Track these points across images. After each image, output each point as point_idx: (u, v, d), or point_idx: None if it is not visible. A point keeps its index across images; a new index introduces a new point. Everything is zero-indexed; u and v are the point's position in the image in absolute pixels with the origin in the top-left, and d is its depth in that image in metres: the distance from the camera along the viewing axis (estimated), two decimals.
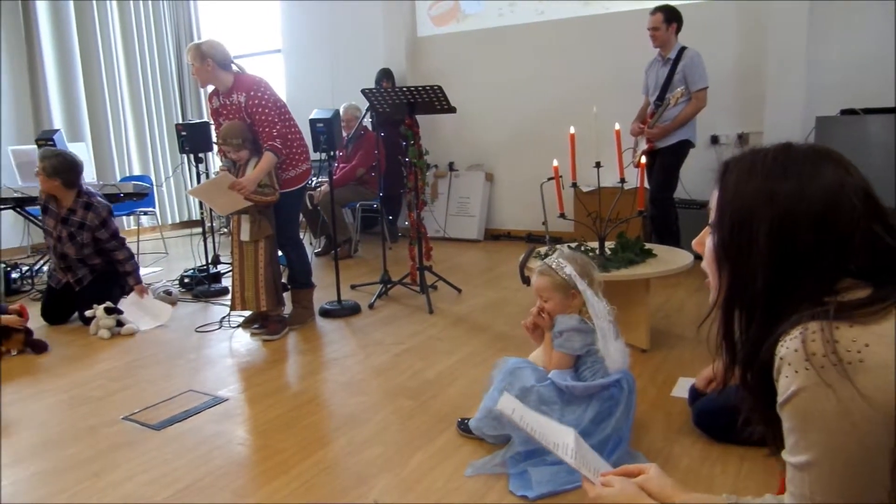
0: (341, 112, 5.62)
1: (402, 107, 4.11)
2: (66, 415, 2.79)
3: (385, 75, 6.41)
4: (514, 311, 3.89)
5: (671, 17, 4.36)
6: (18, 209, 5.34)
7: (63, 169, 3.99)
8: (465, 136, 6.48)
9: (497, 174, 6.50)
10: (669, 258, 3.26)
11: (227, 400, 2.84)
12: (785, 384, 0.92)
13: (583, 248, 3.26)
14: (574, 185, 3.24)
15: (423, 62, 6.72)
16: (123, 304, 4.02)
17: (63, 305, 4.14)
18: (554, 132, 5.68)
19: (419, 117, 4.23)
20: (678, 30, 4.40)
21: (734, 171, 1.04)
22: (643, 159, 3.37)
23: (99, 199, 4.19)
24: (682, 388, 2.68)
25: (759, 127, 5.04)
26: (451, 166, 6.64)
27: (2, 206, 5.41)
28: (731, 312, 1.03)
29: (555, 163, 3.15)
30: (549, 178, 4.60)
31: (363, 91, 4.26)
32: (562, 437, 1.41)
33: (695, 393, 2.41)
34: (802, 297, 0.94)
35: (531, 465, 2.07)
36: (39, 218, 4.23)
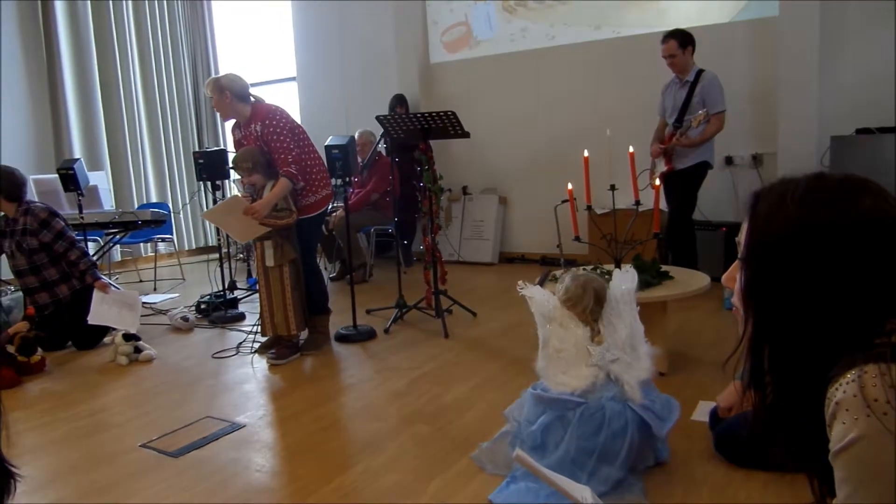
0: (356, 138, 5.67)
1: (417, 132, 4.15)
2: (84, 442, 2.80)
3: (399, 101, 6.48)
4: (530, 335, 3.83)
5: (685, 41, 4.38)
6: None
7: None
8: (478, 160, 6.52)
9: (511, 197, 6.51)
10: (687, 280, 3.24)
11: (244, 426, 2.84)
12: (841, 431, 0.85)
13: (599, 271, 3.24)
14: (589, 207, 3.24)
15: (436, 88, 6.79)
16: (93, 307, 4.02)
17: (57, 331, 4.13)
18: (567, 155, 5.70)
19: (433, 142, 4.26)
20: (693, 51, 4.42)
21: (764, 202, 0.97)
22: (657, 181, 3.36)
23: (38, 203, 4.23)
24: (702, 412, 2.64)
25: (772, 148, 5.03)
26: (464, 190, 6.66)
27: None
28: (761, 352, 0.97)
29: (569, 185, 3.15)
30: (564, 201, 4.60)
31: (378, 117, 4.31)
32: (579, 491, 1.44)
33: (715, 417, 2.38)
34: (846, 338, 0.88)
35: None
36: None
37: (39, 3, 6.72)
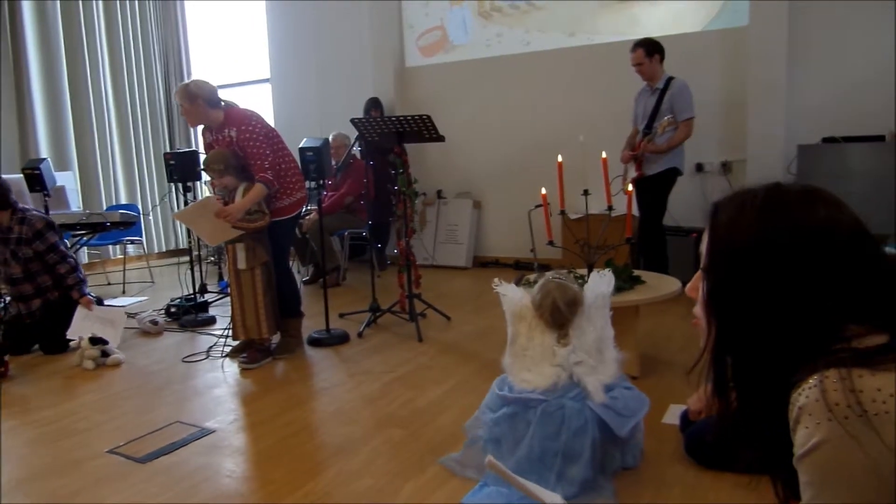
0: (330, 140, 5.64)
1: (391, 136, 4.14)
2: (49, 448, 2.74)
3: (373, 104, 6.46)
4: (503, 339, 3.86)
5: (651, 49, 4.45)
6: None
7: None
8: (453, 165, 6.53)
9: (485, 202, 6.53)
10: (658, 285, 3.28)
11: (214, 431, 2.80)
12: (804, 436, 0.86)
13: (572, 276, 3.27)
14: (562, 212, 3.27)
15: (412, 91, 6.79)
16: (75, 322, 3.99)
17: (21, 335, 4.12)
18: (541, 160, 5.74)
19: (407, 146, 4.26)
20: (662, 59, 4.49)
21: (723, 213, 0.98)
22: (629, 187, 3.41)
23: (34, 212, 4.20)
24: (672, 415, 2.68)
25: (742, 155, 5.12)
26: (439, 194, 6.67)
27: None
28: (723, 360, 0.99)
29: (543, 191, 3.18)
30: (537, 206, 4.63)
31: (352, 120, 4.29)
32: (550, 497, 1.46)
33: (686, 420, 2.41)
34: (807, 344, 0.89)
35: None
36: None
37: (6, 2, 6.58)
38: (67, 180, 6.13)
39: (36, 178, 5.39)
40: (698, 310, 1.05)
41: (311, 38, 7.18)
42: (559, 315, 2.17)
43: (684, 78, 4.48)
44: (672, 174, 4.47)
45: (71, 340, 4.04)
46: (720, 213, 0.99)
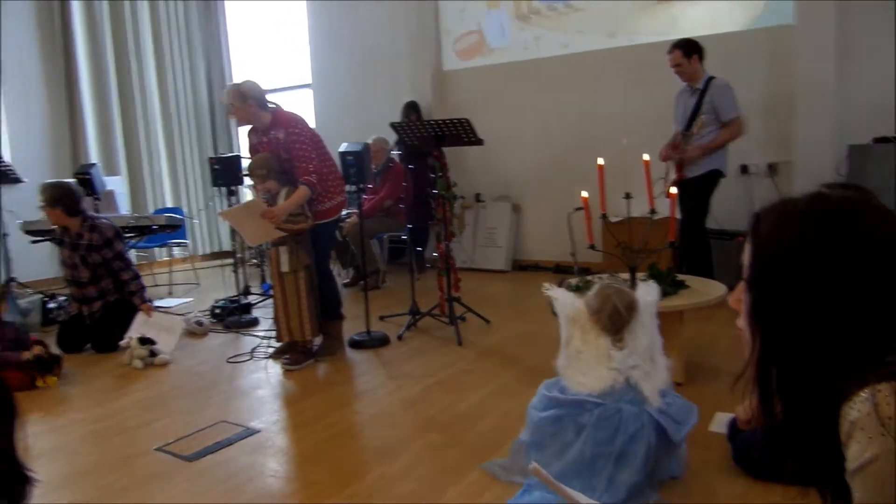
0: (370, 144, 5.69)
1: (430, 139, 4.15)
2: (100, 445, 2.82)
3: (411, 108, 6.49)
4: (544, 343, 3.84)
5: (690, 50, 4.36)
6: (56, 241, 5.46)
7: (59, 196, 4.18)
8: (491, 168, 6.52)
9: (524, 205, 6.50)
10: (702, 289, 3.23)
11: (258, 431, 2.84)
12: (857, 451, 0.84)
13: (618, 280, 3.23)
14: (603, 216, 3.23)
15: (449, 95, 6.80)
16: (134, 327, 4.09)
17: (77, 335, 4.27)
18: (581, 163, 5.69)
19: (446, 149, 4.27)
20: (702, 59, 4.40)
21: (765, 223, 0.96)
22: (673, 189, 3.35)
23: (104, 221, 4.37)
24: (720, 424, 2.62)
25: (789, 156, 5.00)
26: (477, 197, 6.66)
27: (41, 239, 5.55)
28: (768, 371, 0.96)
29: (584, 194, 3.14)
30: (577, 209, 4.58)
31: (392, 124, 4.32)
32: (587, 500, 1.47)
33: (734, 429, 2.36)
34: (856, 357, 0.87)
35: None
36: (59, 248, 4.41)
37: (56, 6, 6.81)
38: (116, 184, 6.30)
39: (87, 183, 5.56)
40: (742, 322, 1.03)
41: (350, 43, 7.25)
42: (619, 319, 2.16)
43: (727, 78, 4.39)
44: (715, 176, 4.38)
45: (121, 340, 4.16)
46: (762, 223, 0.97)
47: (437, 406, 3.04)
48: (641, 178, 3.29)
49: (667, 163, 4.52)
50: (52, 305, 5.10)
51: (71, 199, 4.22)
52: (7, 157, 6.18)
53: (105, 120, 7.13)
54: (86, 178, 5.56)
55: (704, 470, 2.30)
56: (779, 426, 0.99)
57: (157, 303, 5.42)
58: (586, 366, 2.15)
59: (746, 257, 0.99)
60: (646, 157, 3.29)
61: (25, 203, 5.88)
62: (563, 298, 2.30)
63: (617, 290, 2.23)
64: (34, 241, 5.60)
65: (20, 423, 1.29)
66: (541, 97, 6.23)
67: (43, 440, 2.87)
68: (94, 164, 5.95)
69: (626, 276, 3.30)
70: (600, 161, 3.16)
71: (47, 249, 6.09)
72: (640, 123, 5.45)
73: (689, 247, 4.41)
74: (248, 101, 3.64)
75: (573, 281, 3.40)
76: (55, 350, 3.90)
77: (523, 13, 6.32)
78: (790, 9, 4.93)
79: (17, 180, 5.70)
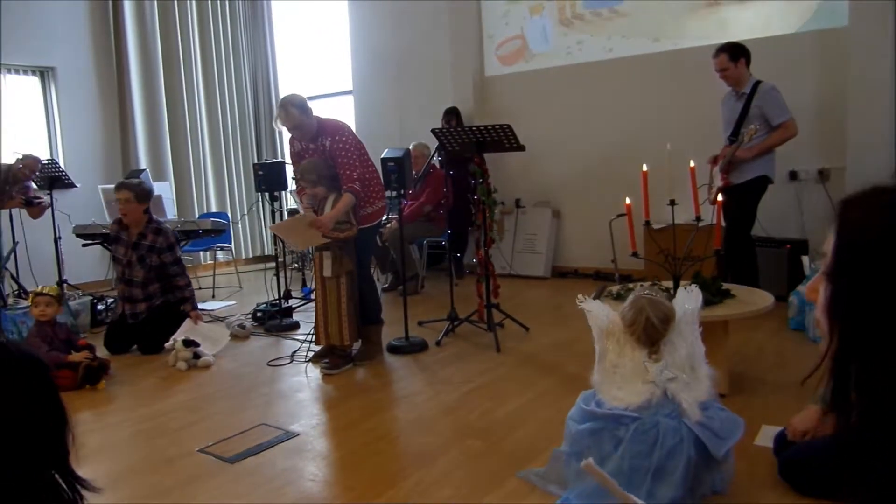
0: (411, 150, 5.72)
1: (472, 145, 4.15)
2: (145, 445, 2.89)
3: (452, 114, 6.50)
4: (584, 351, 3.75)
5: (736, 53, 4.27)
6: (105, 244, 5.62)
7: (146, 195, 4.42)
8: (531, 173, 6.48)
9: (564, 211, 6.45)
10: (748, 299, 3.14)
11: (298, 435, 2.87)
12: None
13: (656, 288, 3.17)
14: (647, 223, 3.17)
15: (490, 101, 6.80)
16: (181, 332, 4.17)
17: (124, 336, 4.38)
18: (624, 169, 5.62)
19: (486, 155, 4.26)
20: (748, 63, 4.30)
21: (853, 211, 0.91)
22: (720, 197, 3.27)
23: (167, 225, 4.55)
24: (766, 437, 2.54)
25: (840, 162, 4.84)
26: (517, 203, 6.63)
27: (91, 242, 5.72)
28: (847, 370, 0.92)
29: (627, 200, 3.10)
30: (619, 215, 4.53)
31: (433, 130, 4.33)
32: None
33: (781, 442, 2.28)
34: None
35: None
36: (112, 246, 4.54)
37: (111, 16, 7.04)
38: (164, 190, 6.46)
39: None
40: (819, 313, 0.98)
41: (391, 49, 7.31)
42: (653, 331, 2.10)
43: (776, 82, 4.28)
44: (762, 182, 4.27)
45: (167, 343, 4.25)
46: (849, 211, 0.92)
47: (476, 412, 3.02)
48: (686, 185, 3.23)
49: (713, 169, 4.42)
50: (100, 307, 5.25)
51: (149, 198, 4.45)
52: (61, 163, 6.40)
53: (154, 127, 7.34)
54: None
55: (749, 485, 2.23)
56: (854, 430, 0.93)
57: (201, 305, 5.53)
58: (622, 380, 2.11)
59: (828, 246, 0.94)
60: (692, 163, 3.23)
61: (78, 207, 6.08)
62: (597, 311, 2.25)
63: (651, 300, 2.18)
64: (85, 245, 5.78)
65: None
66: (583, 102, 6.18)
67: (90, 439, 2.94)
68: (143, 170, 6.13)
69: (669, 284, 3.24)
70: (644, 167, 3.12)
71: (97, 252, 6.29)
72: (684, 129, 5.36)
73: (734, 255, 4.30)
74: (307, 111, 3.73)
75: (614, 289, 3.35)
76: (102, 353, 3.99)
77: (566, 18, 6.28)
78: (842, 10, 4.79)
79: (70, 185, 5.89)
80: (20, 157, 5.48)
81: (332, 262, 3.70)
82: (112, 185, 6.05)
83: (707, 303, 2.95)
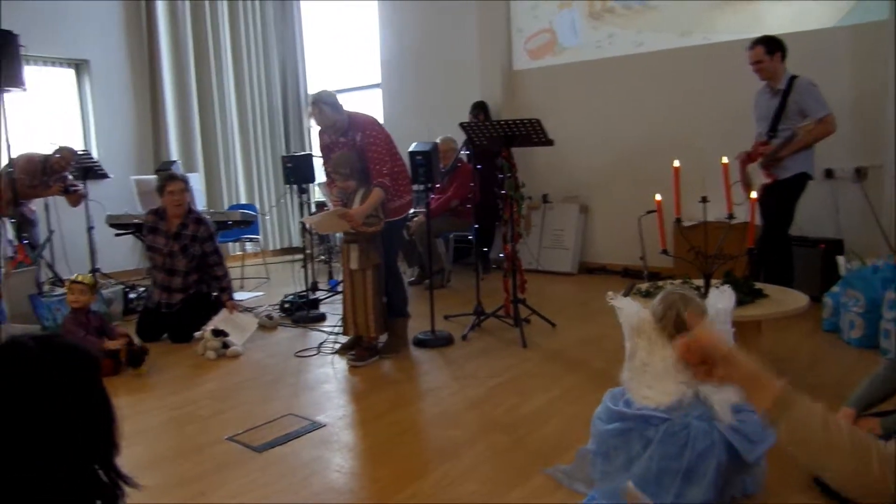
0: (438, 144, 5.71)
1: (500, 139, 4.13)
2: (175, 432, 2.94)
3: (480, 108, 6.48)
4: (611, 348, 3.76)
5: (773, 46, 4.17)
6: (138, 234, 5.71)
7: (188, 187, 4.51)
8: (559, 168, 6.43)
9: (592, 206, 6.39)
10: (782, 299, 3.09)
11: (324, 426, 2.89)
12: None
13: (688, 286, 3.13)
14: (678, 220, 3.13)
15: (519, 95, 6.76)
16: (215, 320, 4.23)
17: (155, 324, 4.45)
18: (654, 165, 5.56)
19: (514, 149, 4.24)
20: (784, 57, 4.20)
21: None
22: (753, 194, 3.21)
23: (205, 215, 4.64)
24: None
25: (878, 160, 4.72)
26: (545, 198, 6.59)
27: (124, 232, 5.82)
28: None
29: (657, 197, 3.06)
30: (648, 212, 4.46)
31: (461, 124, 4.32)
32: None
33: None
34: None
35: None
36: (148, 236, 4.57)
37: (143, 7, 7.13)
38: (194, 181, 6.52)
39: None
40: None
41: (419, 43, 7.30)
42: (683, 327, 2.07)
43: (812, 77, 4.17)
44: (802, 179, 4.17)
45: (197, 332, 4.31)
46: None
47: (501, 408, 3.02)
48: (717, 182, 3.18)
49: (746, 167, 4.33)
50: (132, 296, 5.34)
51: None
52: (94, 154, 6.52)
53: (185, 119, 7.43)
54: None
55: (781, 488, 2.20)
56: None
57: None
58: (652, 379, 2.08)
59: None
60: (724, 159, 3.18)
61: (111, 198, 6.18)
62: (627, 308, 2.22)
63: (682, 296, 2.15)
64: (118, 234, 5.89)
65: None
66: (613, 97, 6.12)
67: (124, 425, 2.98)
68: (174, 162, 6.21)
69: (699, 282, 3.19)
70: (676, 163, 3.07)
71: (129, 242, 6.39)
72: (717, 125, 5.27)
73: (769, 254, 4.22)
74: (339, 108, 3.75)
75: (643, 286, 3.31)
76: (136, 340, 4.06)
77: (596, 11, 6.21)
78: (883, 4, 4.66)
79: (103, 176, 5.99)
80: (57, 148, 5.60)
81: (359, 254, 3.71)
82: (145, 176, 6.17)
83: (739, 302, 2.91)
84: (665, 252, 3.04)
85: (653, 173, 5.59)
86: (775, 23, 5.08)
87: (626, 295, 3.05)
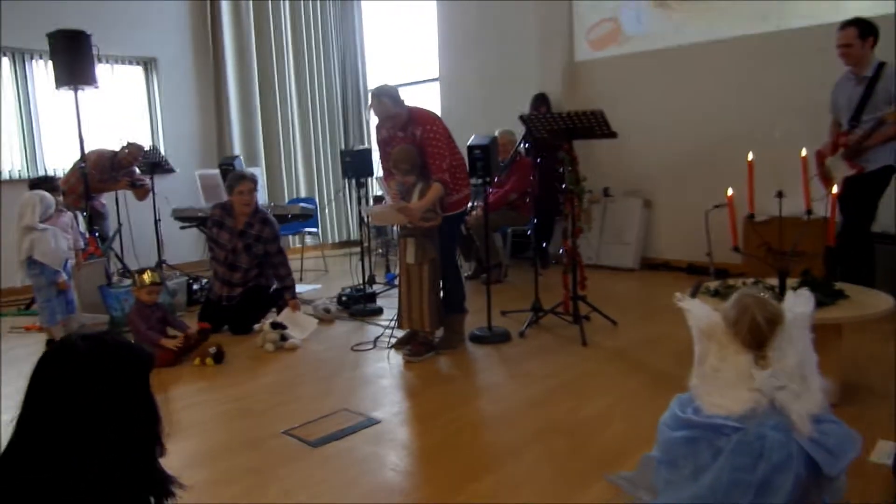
0: (497, 137, 5.62)
1: (562, 132, 4.01)
2: (232, 424, 2.96)
3: (541, 100, 6.35)
4: (675, 349, 3.61)
5: (866, 30, 3.89)
6: (201, 227, 5.84)
7: (255, 180, 4.56)
8: (622, 161, 6.24)
9: (656, 200, 6.18)
10: (863, 300, 2.88)
11: (379, 422, 2.86)
12: None
13: (761, 287, 2.96)
14: (751, 216, 2.95)
15: (580, 87, 6.58)
16: (279, 318, 4.27)
17: (216, 316, 4.50)
18: (722, 158, 5.33)
19: (575, 142, 4.11)
20: (874, 44, 3.93)
21: None
22: (835, 189, 3.00)
23: (271, 216, 4.63)
24: (882, 453, 2.33)
25: None
26: (606, 191, 6.41)
27: (189, 225, 5.97)
28: None
29: (729, 191, 2.89)
30: (716, 206, 4.27)
31: (521, 117, 4.23)
32: None
33: None
34: None
35: None
36: (213, 230, 4.63)
37: (209, 5, 7.28)
38: (256, 175, 6.65)
39: (229, 174, 5.89)
40: None
41: (478, 35, 7.20)
42: (758, 333, 1.93)
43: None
44: (887, 173, 3.89)
45: (256, 324, 4.37)
46: None
47: (560, 409, 2.92)
48: (792, 175, 2.99)
49: (825, 159, 4.08)
50: (195, 287, 5.46)
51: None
52: (162, 149, 6.70)
53: (247, 115, 7.57)
54: (229, 169, 5.90)
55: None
56: None
57: None
58: (724, 385, 1.94)
59: None
60: (803, 151, 2.98)
61: (176, 192, 6.35)
62: (696, 310, 2.09)
63: (757, 299, 2.00)
64: (183, 227, 6.04)
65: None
66: (680, 87, 5.88)
67: (182, 416, 3.05)
68: (237, 156, 6.32)
69: (773, 282, 3.01)
70: (750, 156, 2.90)
71: (193, 234, 6.55)
72: (794, 116, 4.98)
73: (848, 252, 3.96)
74: (400, 102, 3.73)
75: (711, 285, 3.15)
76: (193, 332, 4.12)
77: None
78: None
79: (170, 170, 6.15)
80: (126, 144, 5.78)
81: (415, 248, 3.68)
82: (208, 171, 6.30)
83: (818, 304, 2.73)
84: (737, 249, 2.88)
85: (721, 166, 5.36)
86: (859, 8, 4.76)
87: (693, 294, 2.91)
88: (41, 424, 1.20)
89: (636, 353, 3.68)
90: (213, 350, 3.77)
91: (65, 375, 1.22)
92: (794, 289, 2.89)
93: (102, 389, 1.23)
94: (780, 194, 2.96)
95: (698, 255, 5.46)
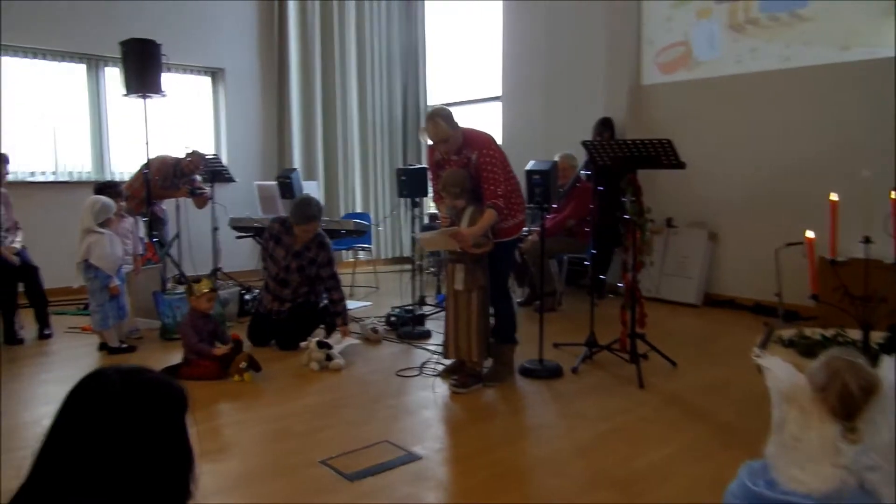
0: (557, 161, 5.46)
1: (625, 160, 3.84)
2: (271, 447, 2.89)
3: (605, 125, 6.16)
4: (741, 398, 3.36)
5: None
6: (257, 238, 5.87)
7: (320, 211, 4.56)
8: (687, 191, 5.98)
9: (722, 234, 5.89)
10: None
11: (420, 458, 2.73)
12: None
13: (839, 339, 2.72)
14: (833, 261, 2.72)
15: (646, 112, 6.36)
16: (330, 340, 4.21)
17: (265, 330, 4.49)
18: (798, 193, 5.05)
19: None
20: None
21: None
22: None
23: (328, 239, 4.58)
24: None
25: None
26: (669, 222, 6.16)
27: (245, 235, 6.01)
28: None
29: (809, 234, 2.67)
30: (789, 244, 4.01)
31: (584, 143, 4.07)
32: None
33: None
34: None
35: None
36: (269, 243, 4.59)
37: (276, 9, 7.38)
38: (313, 189, 6.66)
39: (287, 186, 5.92)
40: None
41: (544, 52, 7.06)
42: (850, 402, 1.72)
43: None
44: None
45: (303, 342, 4.32)
46: None
47: (613, 458, 2.73)
48: (881, 218, 2.75)
49: None
50: (248, 297, 5.47)
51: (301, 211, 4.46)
52: (224, 159, 6.80)
53: (309, 128, 7.63)
54: (287, 182, 5.93)
55: None
56: None
57: None
58: (805, 458, 1.73)
59: None
60: (893, 194, 2.73)
61: (234, 201, 6.42)
62: (777, 370, 1.89)
63: (850, 364, 1.78)
64: (239, 237, 6.08)
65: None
66: (753, 116, 5.61)
67: (222, 434, 2.99)
68: (294, 169, 6.35)
69: (852, 331, 2.77)
70: (834, 196, 2.67)
71: (249, 244, 6.60)
72: (882, 153, 4.64)
73: None
74: (455, 125, 3.61)
75: (785, 334, 2.92)
76: (246, 346, 4.09)
77: (738, 23, 5.74)
78: None
79: (230, 180, 6.22)
80: (189, 151, 5.87)
81: (464, 275, 3.55)
82: (267, 182, 6.35)
83: None
84: (815, 297, 2.65)
85: (793, 201, 5.07)
86: None
87: (764, 344, 2.70)
88: (65, 459, 1.13)
89: (697, 399, 3.44)
90: (243, 365, 3.72)
91: (96, 410, 1.15)
92: (882, 345, 2.65)
93: (134, 428, 1.16)
94: (867, 240, 2.72)
95: (766, 293, 5.14)
